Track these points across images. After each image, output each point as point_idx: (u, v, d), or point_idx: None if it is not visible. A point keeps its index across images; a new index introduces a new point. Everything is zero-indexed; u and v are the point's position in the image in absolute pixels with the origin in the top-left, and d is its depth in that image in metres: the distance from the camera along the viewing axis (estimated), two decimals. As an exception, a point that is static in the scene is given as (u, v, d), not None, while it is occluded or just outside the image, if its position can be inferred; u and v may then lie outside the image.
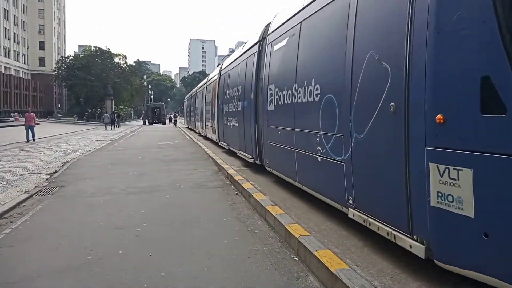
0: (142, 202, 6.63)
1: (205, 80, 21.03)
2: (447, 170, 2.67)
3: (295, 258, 3.98)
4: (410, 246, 3.08)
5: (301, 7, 5.68)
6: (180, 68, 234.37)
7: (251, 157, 8.62)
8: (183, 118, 52.41)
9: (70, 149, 16.46)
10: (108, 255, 4.13)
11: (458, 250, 2.71)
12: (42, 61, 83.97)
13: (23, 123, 21.11)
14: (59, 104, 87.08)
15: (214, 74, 16.66)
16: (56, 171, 10.14)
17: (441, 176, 2.70)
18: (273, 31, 7.26)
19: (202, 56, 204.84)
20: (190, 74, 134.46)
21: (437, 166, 2.74)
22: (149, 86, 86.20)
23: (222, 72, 13.43)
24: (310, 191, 5.41)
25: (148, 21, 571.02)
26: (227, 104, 11.69)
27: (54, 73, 62.27)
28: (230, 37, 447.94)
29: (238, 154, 10.24)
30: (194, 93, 27.40)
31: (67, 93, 71.19)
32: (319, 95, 4.84)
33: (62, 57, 68.45)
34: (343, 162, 4.18)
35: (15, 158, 12.92)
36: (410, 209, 3.07)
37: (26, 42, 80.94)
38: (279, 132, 6.45)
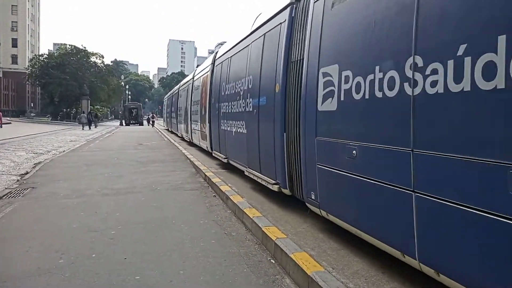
0: (117, 204, 6.50)
1: (190, 75, 17.75)
2: None
3: (271, 260, 3.98)
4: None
5: None
6: (158, 68, 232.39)
7: (273, 182, 5.80)
8: (162, 119, 51.77)
9: (43, 150, 15.97)
10: (80, 258, 4.02)
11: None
12: (14, 59, 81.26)
13: None
14: (32, 103, 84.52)
15: (204, 67, 13.79)
16: (27, 172, 9.82)
17: None
18: None
19: (181, 57, 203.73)
20: (169, 74, 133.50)
21: None
22: (127, 86, 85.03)
23: (217, 62, 10.72)
24: None
25: (126, 20, 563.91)
26: (226, 103, 8.94)
27: (27, 71, 60.57)
28: (210, 39, 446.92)
29: (246, 173, 7.27)
30: (177, 91, 24.42)
31: (40, 92, 69.17)
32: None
33: (36, 55, 66.50)
34: None
35: (-17, 159, 12.45)
36: None
37: (-2, 39, 78.42)
38: (354, 152, 3.64)
